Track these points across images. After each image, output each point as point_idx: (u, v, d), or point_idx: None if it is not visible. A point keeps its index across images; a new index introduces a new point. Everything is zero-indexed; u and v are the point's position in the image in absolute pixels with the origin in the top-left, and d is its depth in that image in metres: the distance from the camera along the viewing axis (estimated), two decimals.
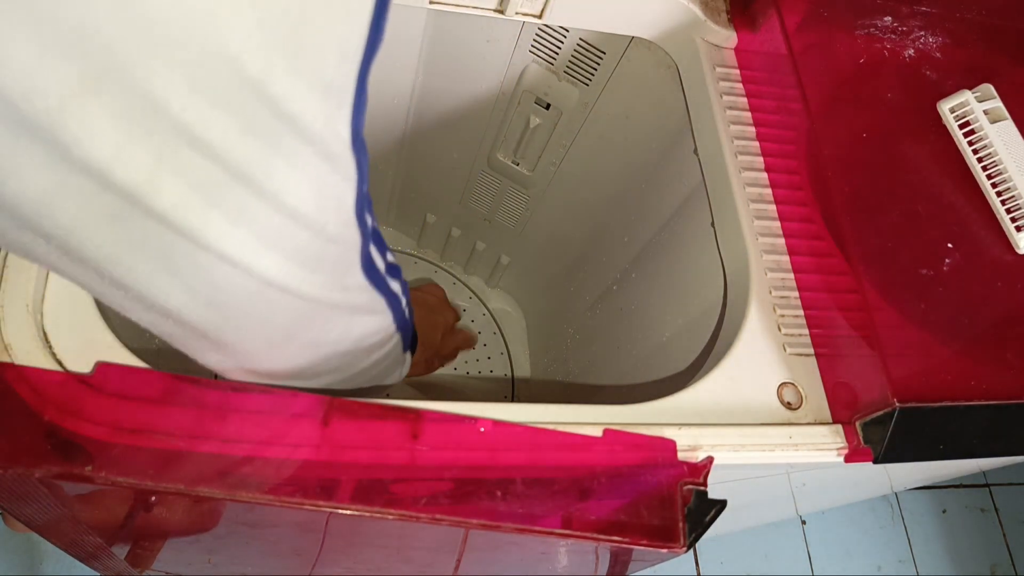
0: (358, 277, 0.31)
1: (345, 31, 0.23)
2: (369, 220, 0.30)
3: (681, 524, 0.38)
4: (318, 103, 0.23)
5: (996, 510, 1.33)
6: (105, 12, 0.18)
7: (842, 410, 0.45)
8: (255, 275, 0.26)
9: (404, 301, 0.37)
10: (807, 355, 0.47)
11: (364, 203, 0.29)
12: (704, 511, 0.38)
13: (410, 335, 0.42)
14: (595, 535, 0.37)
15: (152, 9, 0.18)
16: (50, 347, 0.37)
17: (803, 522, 1.24)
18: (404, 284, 0.37)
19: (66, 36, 0.18)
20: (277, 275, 0.26)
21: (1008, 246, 0.49)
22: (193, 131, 0.21)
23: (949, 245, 0.49)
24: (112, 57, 0.19)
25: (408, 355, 0.44)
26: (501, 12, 0.61)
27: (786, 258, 0.50)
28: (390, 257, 0.34)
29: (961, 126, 0.52)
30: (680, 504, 0.38)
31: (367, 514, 0.35)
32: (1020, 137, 0.51)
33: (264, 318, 0.28)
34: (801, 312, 0.48)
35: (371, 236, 0.31)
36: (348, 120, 0.25)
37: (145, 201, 0.22)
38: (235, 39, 0.20)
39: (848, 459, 0.44)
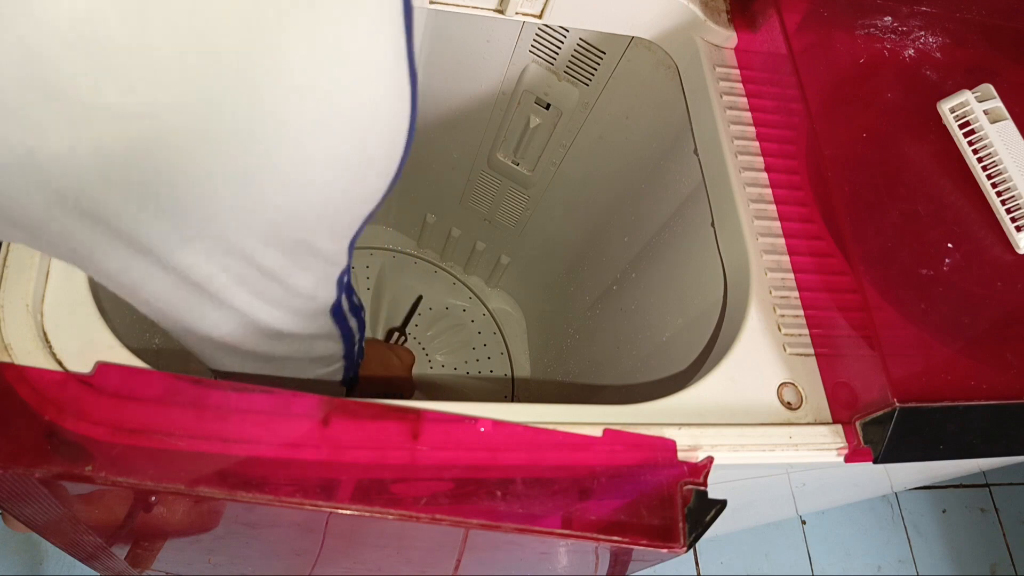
0: (328, 318, 0.40)
1: (366, 209, 0.33)
2: (346, 279, 0.39)
3: (681, 524, 0.38)
4: (339, 244, 0.34)
5: (996, 510, 1.33)
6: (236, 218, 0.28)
7: (842, 410, 0.45)
8: (255, 322, 0.35)
9: (357, 337, 0.46)
10: (807, 355, 0.47)
11: (346, 273, 0.38)
12: (704, 511, 0.38)
13: (353, 366, 0.50)
14: (595, 535, 0.37)
15: (261, 208, 0.28)
16: (50, 347, 0.37)
17: (803, 522, 1.24)
18: (362, 323, 0.47)
19: (186, 221, 0.27)
20: (272, 321, 0.36)
21: (1008, 246, 0.49)
22: (253, 259, 0.31)
23: (949, 245, 0.49)
24: (222, 232, 0.28)
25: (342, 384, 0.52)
26: (501, 12, 0.61)
27: (786, 258, 0.50)
28: (355, 300, 0.44)
29: (961, 126, 0.52)
30: (680, 504, 0.38)
31: (367, 514, 0.35)
32: (1020, 137, 0.51)
33: (253, 342, 0.38)
34: (801, 312, 0.48)
35: (344, 290, 0.39)
36: (351, 241, 0.35)
37: (204, 287, 0.31)
38: (306, 230, 0.31)
39: (848, 459, 0.44)
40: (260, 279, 0.32)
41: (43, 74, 0.21)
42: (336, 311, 0.40)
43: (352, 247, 0.36)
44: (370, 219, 0.33)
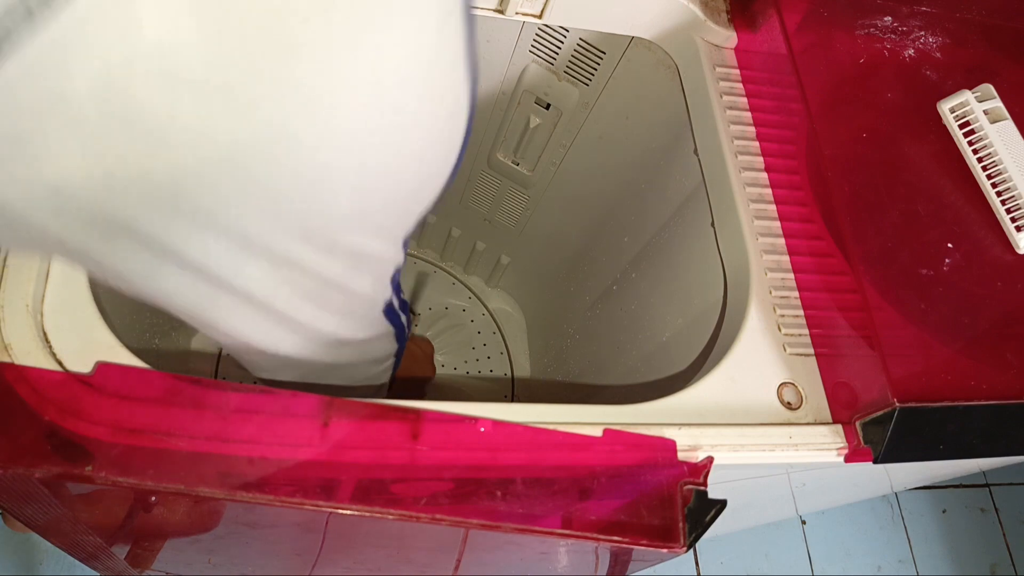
0: (383, 320, 0.41)
1: (422, 208, 0.33)
2: (397, 277, 0.40)
3: (681, 524, 0.38)
4: (392, 246, 0.35)
5: (996, 510, 1.33)
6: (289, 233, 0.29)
7: (842, 410, 0.45)
8: (319, 332, 0.37)
9: (407, 332, 0.47)
10: (807, 355, 0.47)
11: (398, 274, 0.39)
12: (704, 511, 0.38)
13: (399, 363, 0.51)
14: (595, 535, 0.37)
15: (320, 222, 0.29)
16: (50, 347, 0.37)
17: (803, 522, 1.24)
18: (409, 319, 0.48)
19: (254, 240, 0.28)
20: (334, 329, 0.37)
21: (1008, 246, 0.49)
22: (315, 270, 0.31)
23: (949, 245, 0.49)
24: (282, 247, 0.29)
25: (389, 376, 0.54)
26: (501, 12, 0.61)
27: (786, 258, 0.50)
28: (402, 295, 0.44)
29: (961, 126, 0.52)
30: (680, 504, 0.38)
31: (367, 514, 0.35)
32: (1020, 137, 0.51)
33: (314, 352, 0.39)
34: (801, 312, 0.48)
35: (395, 287, 0.40)
36: (404, 240, 0.36)
37: (268, 304, 0.32)
38: (365, 235, 0.32)
39: (848, 459, 0.44)
40: (322, 289, 0.33)
41: (124, 101, 0.21)
42: (388, 310, 0.41)
43: (406, 244, 0.37)
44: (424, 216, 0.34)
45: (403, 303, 0.45)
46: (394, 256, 0.36)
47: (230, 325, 0.33)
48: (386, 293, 0.39)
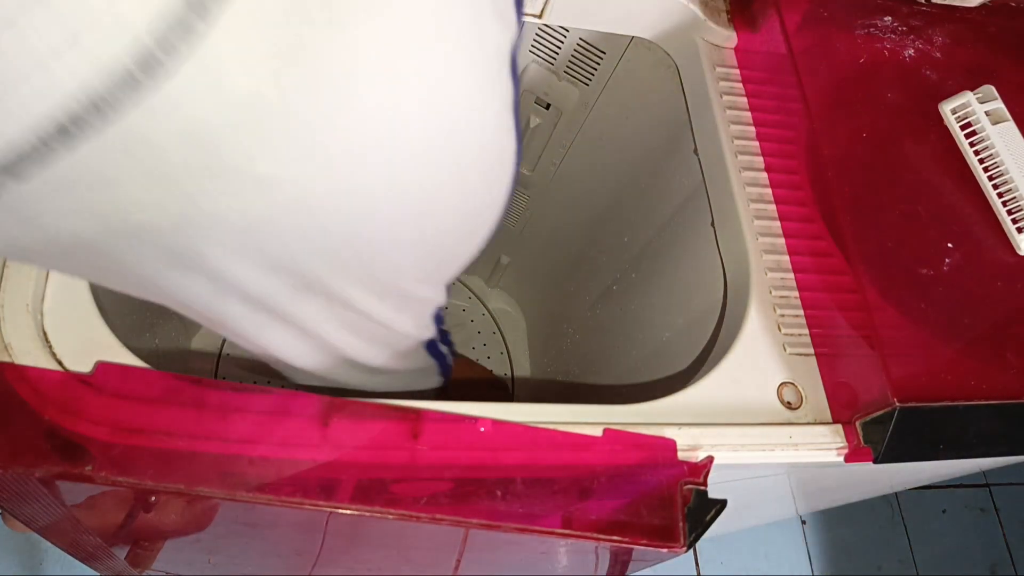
0: (424, 353, 0.44)
1: (469, 253, 0.36)
2: (441, 315, 0.42)
3: (681, 524, 0.38)
4: (438, 290, 0.38)
5: (996, 510, 1.33)
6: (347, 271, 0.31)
7: (842, 410, 0.45)
8: (361, 361, 0.39)
9: (448, 359, 0.51)
10: (807, 355, 0.47)
11: (440, 311, 0.42)
12: (704, 511, 0.38)
13: (447, 378, 0.54)
14: (595, 535, 0.37)
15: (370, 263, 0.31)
16: (50, 347, 0.37)
17: (803, 522, 1.24)
18: (450, 344, 0.51)
19: (313, 281, 0.30)
20: (373, 359, 0.40)
21: (1009, 247, 0.49)
22: (364, 310, 0.34)
23: (949, 245, 0.49)
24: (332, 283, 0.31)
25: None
26: None
27: (786, 258, 0.50)
28: (443, 327, 0.47)
29: (963, 127, 0.52)
30: (680, 504, 0.38)
31: (367, 514, 0.35)
32: (1021, 138, 0.51)
33: (351, 378, 0.42)
34: (801, 312, 0.48)
35: (437, 322, 0.42)
36: (447, 285, 0.39)
37: (316, 334, 0.35)
38: (414, 280, 0.34)
39: (848, 459, 0.44)
40: (367, 325, 0.35)
41: (207, 150, 0.23)
42: (430, 344, 0.44)
43: (449, 286, 0.39)
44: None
45: (444, 335, 0.47)
46: (437, 297, 0.38)
47: (277, 348, 0.36)
48: (429, 330, 0.41)
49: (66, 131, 0.21)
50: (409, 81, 0.25)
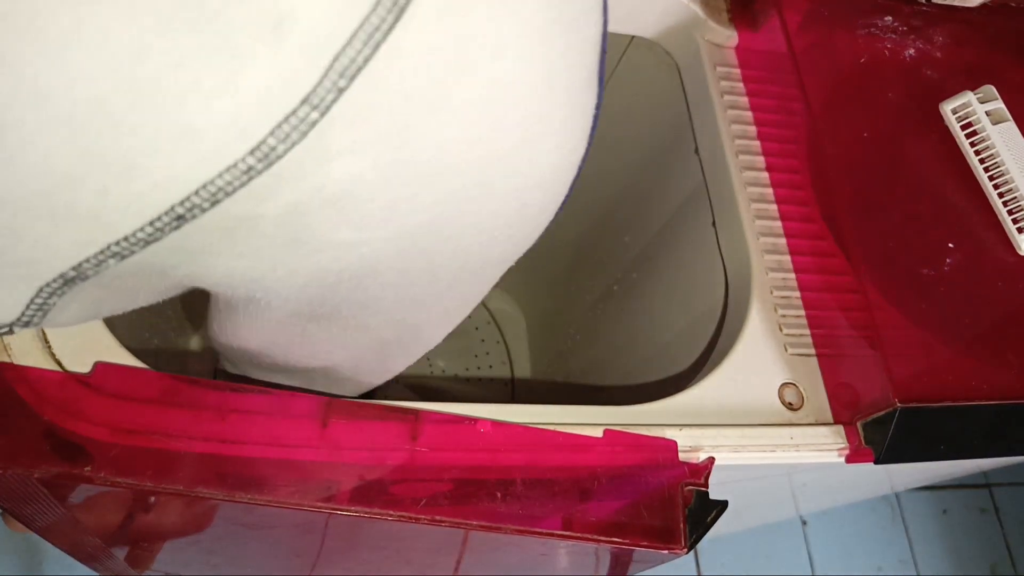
0: None
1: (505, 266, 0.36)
2: None
3: (682, 525, 0.38)
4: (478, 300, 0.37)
5: (996, 510, 1.33)
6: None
7: (843, 410, 0.45)
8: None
9: None
10: (808, 355, 0.47)
11: None
12: (705, 512, 0.38)
13: None
14: (595, 536, 0.37)
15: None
16: (49, 347, 0.37)
17: (804, 523, 1.24)
18: None
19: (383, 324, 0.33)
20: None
21: (1010, 247, 0.49)
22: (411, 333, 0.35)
23: (950, 245, 0.49)
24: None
25: None
26: None
27: (788, 258, 0.50)
28: None
29: (963, 127, 0.52)
30: (681, 505, 0.38)
31: (366, 515, 0.35)
32: (1022, 138, 0.51)
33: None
34: (803, 312, 0.48)
35: None
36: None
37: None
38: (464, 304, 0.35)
39: (849, 460, 0.44)
40: (407, 343, 0.36)
41: (299, 224, 0.24)
42: None
43: None
44: None
45: None
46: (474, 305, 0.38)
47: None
48: None
49: (181, 218, 0.22)
50: (491, 152, 0.25)
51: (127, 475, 0.33)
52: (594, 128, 0.29)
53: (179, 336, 0.79)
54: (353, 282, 0.27)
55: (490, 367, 1.06)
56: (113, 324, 0.39)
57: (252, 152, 0.21)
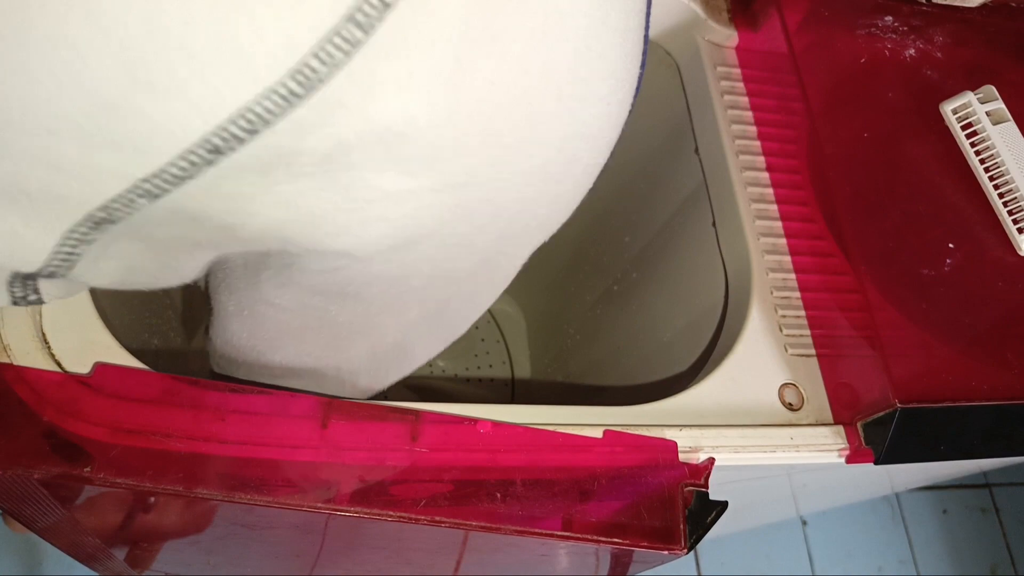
0: None
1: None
2: None
3: (682, 526, 0.38)
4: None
5: (997, 510, 1.33)
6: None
7: (843, 411, 0.45)
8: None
9: None
10: (809, 356, 0.47)
11: None
12: (705, 512, 0.38)
13: None
14: (595, 537, 0.37)
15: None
16: (49, 348, 0.37)
17: (804, 523, 1.24)
18: None
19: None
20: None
21: (1010, 247, 0.49)
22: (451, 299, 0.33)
23: (950, 246, 0.49)
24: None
25: None
26: None
27: (788, 258, 0.50)
28: None
29: (963, 127, 0.52)
30: (681, 506, 0.38)
31: (366, 516, 0.35)
32: (1022, 138, 0.51)
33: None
34: (803, 312, 0.48)
35: None
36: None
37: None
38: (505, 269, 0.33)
39: (849, 460, 0.44)
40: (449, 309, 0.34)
41: (339, 164, 0.22)
42: None
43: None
44: None
45: None
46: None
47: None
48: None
49: (217, 151, 0.21)
50: (561, 102, 0.24)
51: (127, 475, 0.33)
52: (638, 90, 0.28)
53: (179, 336, 0.79)
54: (390, 253, 0.26)
55: (490, 367, 1.06)
56: (113, 324, 0.39)
57: (293, 75, 0.19)
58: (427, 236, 0.26)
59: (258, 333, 0.34)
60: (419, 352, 0.37)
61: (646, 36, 0.28)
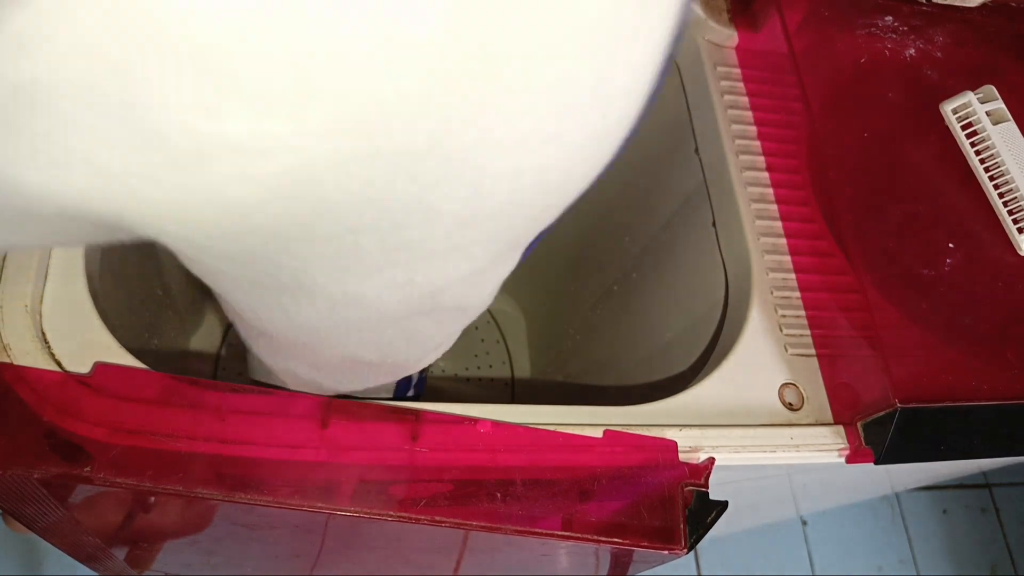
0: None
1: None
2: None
3: (682, 526, 0.38)
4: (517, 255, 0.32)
5: (996, 510, 1.33)
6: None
7: (843, 411, 0.45)
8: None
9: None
10: (809, 356, 0.47)
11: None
12: (705, 512, 0.38)
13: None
14: (595, 537, 0.37)
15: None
16: (49, 348, 0.37)
17: (804, 523, 1.24)
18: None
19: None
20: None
21: (1010, 247, 0.49)
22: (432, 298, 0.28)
23: (951, 245, 0.49)
24: None
25: None
26: None
27: (788, 258, 0.50)
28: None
29: (964, 127, 0.52)
30: (681, 505, 0.38)
31: (366, 516, 0.35)
32: (1022, 138, 0.51)
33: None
34: (803, 312, 0.48)
35: None
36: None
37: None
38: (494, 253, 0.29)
39: (849, 460, 0.44)
40: (435, 313, 0.29)
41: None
42: None
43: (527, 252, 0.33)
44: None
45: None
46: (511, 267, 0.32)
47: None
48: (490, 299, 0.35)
49: None
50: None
51: (127, 475, 0.33)
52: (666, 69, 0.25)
53: (179, 336, 0.79)
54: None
55: (490, 367, 1.06)
56: (113, 324, 0.39)
57: None
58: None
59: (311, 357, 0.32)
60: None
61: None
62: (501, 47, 0.18)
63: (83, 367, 0.36)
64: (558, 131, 0.22)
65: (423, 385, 0.47)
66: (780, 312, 0.48)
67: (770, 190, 0.52)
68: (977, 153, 0.51)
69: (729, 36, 0.59)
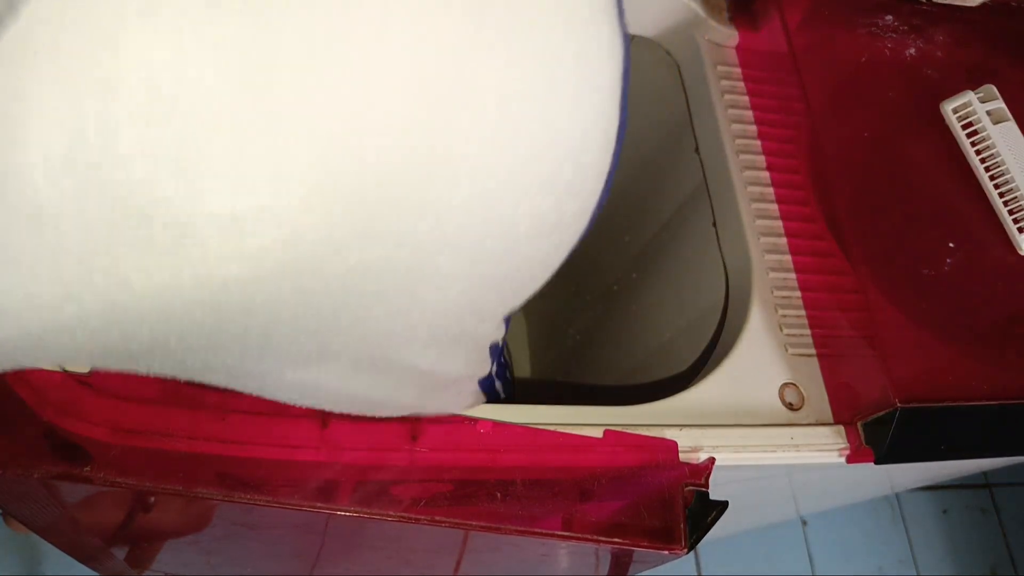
0: (476, 386, 0.38)
1: (536, 283, 0.32)
2: (499, 347, 0.37)
3: (682, 526, 0.38)
4: (499, 328, 0.33)
5: (997, 510, 1.33)
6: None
7: (844, 411, 0.45)
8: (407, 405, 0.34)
9: (503, 396, 0.46)
10: (809, 355, 0.47)
11: (498, 345, 0.37)
12: (705, 512, 0.38)
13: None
14: (596, 537, 0.37)
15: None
16: None
17: (804, 523, 1.24)
18: (507, 379, 0.46)
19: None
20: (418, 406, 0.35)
21: (1010, 247, 0.49)
22: (410, 364, 0.29)
23: (951, 245, 0.49)
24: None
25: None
26: None
27: (788, 258, 0.50)
28: (503, 359, 0.42)
29: (964, 127, 0.52)
30: (681, 505, 0.38)
31: (366, 516, 0.35)
32: (1023, 138, 0.51)
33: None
34: (803, 312, 0.48)
35: (495, 356, 0.38)
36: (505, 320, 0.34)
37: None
38: (487, 332, 0.31)
39: (850, 460, 0.44)
40: (413, 378, 0.31)
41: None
42: (484, 381, 0.39)
43: (507, 321, 0.34)
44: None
45: (501, 367, 0.42)
46: (497, 331, 0.34)
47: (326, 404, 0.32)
48: (485, 366, 0.37)
49: None
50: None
51: (127, 475, 0.33)
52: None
53: None
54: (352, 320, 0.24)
55: None
56: None
57: None
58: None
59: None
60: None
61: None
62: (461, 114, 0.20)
63: (83, 367, 0.36)
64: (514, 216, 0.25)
65: (510, 386, 0.48)
66: (780, 312, 0.48)
67: (770, 190, 0.52)
68: (977, 153, 0.51)
69: (729, 35, 0.59)
